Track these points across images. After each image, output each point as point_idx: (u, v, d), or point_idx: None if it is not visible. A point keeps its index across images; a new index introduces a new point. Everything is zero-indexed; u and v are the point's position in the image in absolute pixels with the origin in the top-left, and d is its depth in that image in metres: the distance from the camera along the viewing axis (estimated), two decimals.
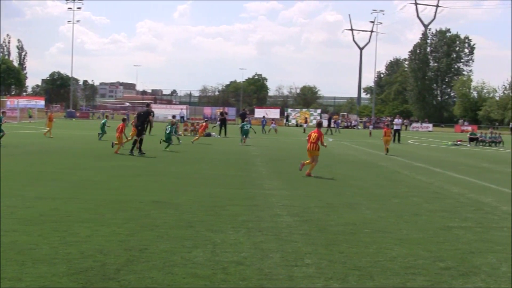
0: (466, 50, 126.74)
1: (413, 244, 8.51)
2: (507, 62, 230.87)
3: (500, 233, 9.64)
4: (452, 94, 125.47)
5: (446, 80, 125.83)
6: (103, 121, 34.62)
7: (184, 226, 9.19)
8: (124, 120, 26.83)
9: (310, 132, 18.50)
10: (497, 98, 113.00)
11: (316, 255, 7.67)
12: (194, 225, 9.29)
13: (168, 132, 27.23)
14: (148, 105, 29.03)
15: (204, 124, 35.49)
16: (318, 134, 17.93)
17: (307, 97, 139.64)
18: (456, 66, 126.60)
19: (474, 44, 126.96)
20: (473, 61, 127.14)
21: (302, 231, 9.17)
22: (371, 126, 53.87)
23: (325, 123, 53.67)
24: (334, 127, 60.86)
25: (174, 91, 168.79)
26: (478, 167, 23.05)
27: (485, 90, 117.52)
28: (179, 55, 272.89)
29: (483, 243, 8.82)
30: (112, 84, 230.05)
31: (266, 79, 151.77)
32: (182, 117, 65.95)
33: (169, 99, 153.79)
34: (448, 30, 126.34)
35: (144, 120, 24.21)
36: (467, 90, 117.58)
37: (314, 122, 67.72)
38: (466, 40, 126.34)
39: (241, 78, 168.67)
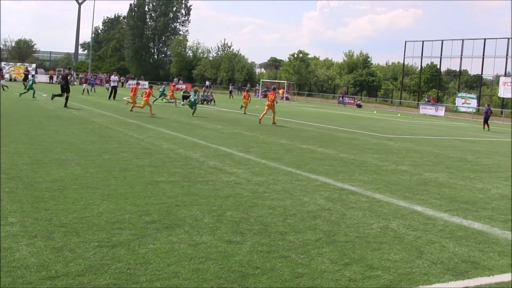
0: (183, 11, 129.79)
1: (120, 199, 8.60)
2: (221, 24, 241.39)
3: (205, 187, 10.09)
4: (168, 53, 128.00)
5: (163, 39, 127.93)
6: None
7: None
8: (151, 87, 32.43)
9: (268, 94, 28.53)
10: (211, 58, 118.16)
11: (21, 213, 7.41)
12: None
13: (193, 100, 31.09)
14: (69, 68, 37.82)
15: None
16: (273, 95, 28.09)
17: (22, 51, 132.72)
18: (173, 26, 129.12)
19: (190, 6, 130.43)
20: (189, 22, 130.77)
21: (8, 189, 8.77)
22: (85, 84, 51.05)
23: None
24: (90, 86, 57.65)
25: None
26: (190, 124, 23.85)
27: (200, 50, 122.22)
28: None
29: (188, 196, 9.18)
30: None
31: None
32: None
33: None
34: None
35: (67, 80, 31.26)
36: (183, 49, 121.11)
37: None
38: (183, 1, 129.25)
39: None
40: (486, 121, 39.28)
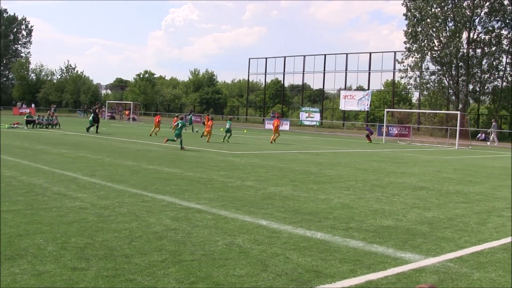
0: (24, 32, 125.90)
1: None
2: (65, 45, 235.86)
3: (48, 214, 9.86)
4: (10, 76, 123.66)
5: (4, 62, 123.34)
6: None
7: None
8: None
9: (273, 121, 38.21)
10: (55, 81, 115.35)
11: None
12: None
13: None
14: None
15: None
16: (278, 121, 38.74)
17: None
18: (14, 48, 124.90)
19: (32, 27, 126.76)
20: (31, 44, 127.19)
21: None
22: None
23: None
24: None
25: None
26: (33, 149, 23.12)
27: (43, 73, 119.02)
28: None
29: (31, 224, 8.94)
30: None
31: None
32: None
33: None
34: (5, 11, 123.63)
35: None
36: (26, 72, 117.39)
37: None
38: (24, 22, 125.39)
39: None
40: (368, 136, 45.70)
